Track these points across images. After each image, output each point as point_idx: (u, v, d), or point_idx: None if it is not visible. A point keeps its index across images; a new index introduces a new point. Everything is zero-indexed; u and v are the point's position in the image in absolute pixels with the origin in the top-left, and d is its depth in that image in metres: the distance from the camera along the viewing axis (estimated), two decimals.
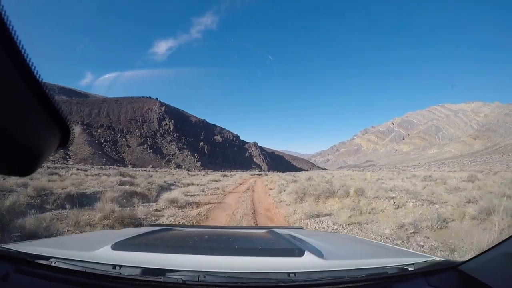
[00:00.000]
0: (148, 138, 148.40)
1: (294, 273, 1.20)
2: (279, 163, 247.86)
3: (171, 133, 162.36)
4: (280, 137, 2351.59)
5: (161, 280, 1.17)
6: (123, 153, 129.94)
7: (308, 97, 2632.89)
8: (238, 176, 49.39)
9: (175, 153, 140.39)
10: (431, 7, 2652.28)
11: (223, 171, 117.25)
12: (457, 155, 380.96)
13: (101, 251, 1.37)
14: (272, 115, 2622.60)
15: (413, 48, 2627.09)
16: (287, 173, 65.70)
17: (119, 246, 1.41)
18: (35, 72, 0.52)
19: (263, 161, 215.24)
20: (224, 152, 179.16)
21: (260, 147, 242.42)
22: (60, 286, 1.21)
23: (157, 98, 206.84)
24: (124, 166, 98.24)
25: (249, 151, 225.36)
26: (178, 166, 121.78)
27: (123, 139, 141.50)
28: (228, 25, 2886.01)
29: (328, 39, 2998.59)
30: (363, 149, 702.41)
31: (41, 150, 0.59)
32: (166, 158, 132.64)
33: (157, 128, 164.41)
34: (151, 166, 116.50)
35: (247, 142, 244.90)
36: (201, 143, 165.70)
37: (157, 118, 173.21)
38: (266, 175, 72.35)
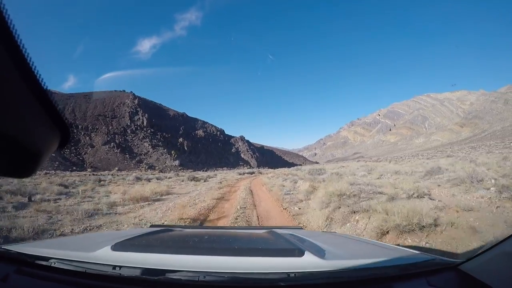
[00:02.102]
0: (116, 136, 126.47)
1: (294, 273, 1.20)
2: (270, 158, 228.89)
3: (145, 129, 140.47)
4: (266, 132, 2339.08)
5: (161, 280, 1.17)
6: (85, 154, 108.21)
7: (292, 91, 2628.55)
8: (217, 179, 29.22)
9: (148, 151, 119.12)
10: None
11: (205, 170, 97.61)
12: (445, 143, 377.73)
13: (101, 251, 1.37)
14: (256, 111, 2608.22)
15: (396, 38, 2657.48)
16: (290, 168, 46.85)
17: (119, 246, 1.40)
18: (36, 73, 0.52)
19: (252, 157, 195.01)
20: (207, 148, 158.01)
21: (248, 142, 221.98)
22: (60, 287, 1.21)
23: (131, 92, 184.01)
24: (81, 170, 77.61)
25: (236, 146, 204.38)
26: (151, 167, 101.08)
27: (87, 138, 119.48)
28: (213, 20, 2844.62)
29: (311, 31, 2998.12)
30: (350, 141, 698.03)
31: (41, 151, 0.59)
32: (137, 158, 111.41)
33: (128, 123, 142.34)
34: (116, 168, 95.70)
35: (233, 137, 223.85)
36: (180, 139, 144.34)
37: (129, 112, 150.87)
38: (260, 173, 52.14)
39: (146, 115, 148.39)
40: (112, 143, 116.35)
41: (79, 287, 1.21)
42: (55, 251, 1.43)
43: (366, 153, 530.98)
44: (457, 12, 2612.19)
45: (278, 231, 2.15)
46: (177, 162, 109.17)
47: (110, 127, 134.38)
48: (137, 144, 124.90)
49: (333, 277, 1.22)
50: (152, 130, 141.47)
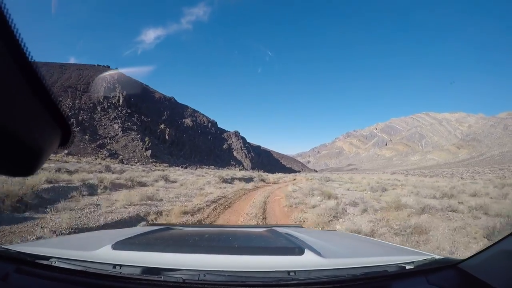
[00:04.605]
0: (81, 112, 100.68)
1: (294, 271, 1.19)
2: (266, 160, 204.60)
3: (119, 108, 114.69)
4: (260, 135, 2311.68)
5: (162, 279, 1.16)
6: None
7: (289, 97, 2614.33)
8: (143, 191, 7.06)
9: (116, 135, 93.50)
10: (419, 17, 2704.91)
11: (185, 167, 73.55)
12: (442, 163, 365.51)
13: (101, 250, 1.36)
14: (251, 113, 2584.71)
15: (400, 55, 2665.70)
16: (297, 174, 23.44)
17: (119, 245, 1.40)
18: (37, 70, 0.50)
19: (246, 157, 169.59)
20: (194, 141, 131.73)
21: (243, 139, 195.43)
22: (60, 286, 1.20)
23: (116, 68, 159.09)
24: None
25: (229, 142, 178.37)
26: (113, 155, 75.77)
27: None
28: (220, 16, 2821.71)
29: (313, 39, 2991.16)
30: (345, 152, 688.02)
31: (42, 149, 0.58)
32: (99, 142, 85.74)
33: (101, 100, 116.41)
34: (66, 151, 71.36)
35: (227, 131, 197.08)
36: (162, 126, 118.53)
37: (104, 87, 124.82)
38: (264, 181, 29.56)
39: (124, 92, 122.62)
40: (72, 119, 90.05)
41: (79, 286, 1.20)
42: (55, 250, 1.43)
43: (360, 165, 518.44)
44: (460, 34, 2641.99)
45: (278, 229, 2.12)
46: (149, 152, 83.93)
47: (77, 101, 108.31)
48: (104, 125, 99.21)
49: (333, 275, 1.21)
50: (128, 110, 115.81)
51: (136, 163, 70.69)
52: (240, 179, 25.93)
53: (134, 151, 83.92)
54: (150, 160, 78.17)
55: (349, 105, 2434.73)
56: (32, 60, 0.49)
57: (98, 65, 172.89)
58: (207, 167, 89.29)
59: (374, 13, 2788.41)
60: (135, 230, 2.28)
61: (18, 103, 0.49)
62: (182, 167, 67.22)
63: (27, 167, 0.58)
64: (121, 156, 75.67)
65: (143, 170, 31.62)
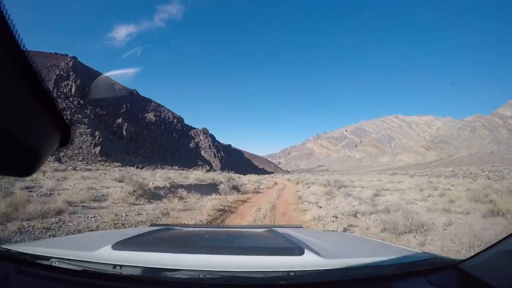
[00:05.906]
0: None
1: (294, 271, 1.19)
2: (237, 161, 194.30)
3: (71, 99, 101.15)
4: (230, 134, 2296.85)
5: (162, 279, 1.17)
6: None
7: (260, 99, 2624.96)
8: None
9: None
10: (387, 20, 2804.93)
11: (141, 167, 62.99)
12: (411, 164, 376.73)
13: (101, 251, 1.36)
14: (220, 113, 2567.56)
15: (370, 58, 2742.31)
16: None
17: (119, 245, 1.40)
18: (36, 70, 0.50)
19: (215, 156, 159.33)
20: (156, 138, 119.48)
21: (212, 136, 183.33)
22: (60, 286, 1.21)
23: (74, 57, 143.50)
24: None
25: (196, 140, 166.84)
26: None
27: None
28: (193, 15, 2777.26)
29: (286, 43, 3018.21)
30: (315, 153, 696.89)
31: (41, 150, 0.58)
32: None
33: (51, 89, 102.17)
34: None
35: (194, 128, 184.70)
36: (119, 120, 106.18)
37: (56, 75, 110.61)
38: (237, 190, 18.80)
39: (78, 81, 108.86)
40: None
41: (80, 286, 1.20)
42: (55, 250, 1.43)
43: (331, 166, 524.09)
44: (432, 38, 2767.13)
45: (278, 229, 2.14)
46: (98, 149, 72.56)
47: None
48: None
49: (333, 275, 1.21)
50: (81, 101, 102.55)
51: (80, 161, 59.93)
52: (191, 187, 13.78)
53: (80, 148, 72.03)
54: (99, 158, 67.16)
55: (319, 108, 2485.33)
56: (32, 62, 0.49)
57: (55, 53, 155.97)
58: (169, 167, 79.12)
59: (339, 14, 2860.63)
60: (135, 230, 2.27)
61: (18, 104, 0.50)
62: (137, 167, 57.39)
63: (27, 167, 0.59)
64: (62, 153, 63.91)
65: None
